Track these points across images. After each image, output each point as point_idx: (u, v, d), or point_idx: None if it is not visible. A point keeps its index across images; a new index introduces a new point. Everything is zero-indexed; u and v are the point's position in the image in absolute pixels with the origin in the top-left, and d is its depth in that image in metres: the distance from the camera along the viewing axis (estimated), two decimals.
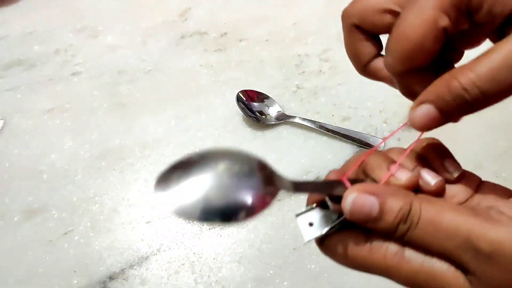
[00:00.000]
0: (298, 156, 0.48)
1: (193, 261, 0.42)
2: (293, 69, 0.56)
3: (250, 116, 0.50)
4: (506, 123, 0.50)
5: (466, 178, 0.23)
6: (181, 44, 0.60)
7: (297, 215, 0.23)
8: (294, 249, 0.42)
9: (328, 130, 0.49)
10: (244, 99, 0.52)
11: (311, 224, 0.23)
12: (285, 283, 0.40)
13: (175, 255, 0.42)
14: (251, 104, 0.52)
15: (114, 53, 0.59)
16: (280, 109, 0.51)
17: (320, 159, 0.48)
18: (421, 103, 0.21)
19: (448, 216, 0.19)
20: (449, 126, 0.22)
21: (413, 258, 0.20)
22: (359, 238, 0.22)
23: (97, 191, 0.46)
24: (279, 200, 0.45)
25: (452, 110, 0.21)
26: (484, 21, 0.21)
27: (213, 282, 0.40)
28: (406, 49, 0.22)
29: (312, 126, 0.49)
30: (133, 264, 0.42)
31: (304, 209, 0.23)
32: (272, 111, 0.51)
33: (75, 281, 0.41)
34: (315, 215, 0.23)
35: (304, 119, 0.50)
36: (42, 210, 0.45)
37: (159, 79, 0.56)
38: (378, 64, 0.26)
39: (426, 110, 0.21)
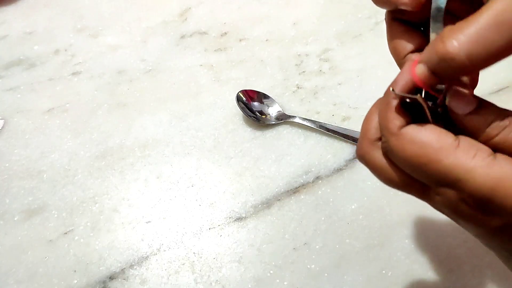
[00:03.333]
0: (298, 156, 0.48)
1: (193, 261, 0.42)
2: (293, 69, 0.56)
3: (250, 116, 0.50)
4: None
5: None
6: (181, 44, 0.60)
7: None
8: (294, 249, 0.42)
9: (328, 130, 0.49)
10: (244, 99, 0.52)
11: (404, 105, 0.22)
12: (285, 283, 0.40)
13: (175, 255, 0.42)
14: (251, 104, 0.52)
15: (114, 53, 0.59)
16: (280, 109, 0.51)
17: (320, 159, 0.48)
18: (418, 62, 0.22)
19: None
20: None
21: (505, 165, 0.19)
22: (448, 133, 0.21)
23: (97, 191, 0.46)
24: (279, 200, 0.45)
25: (443, 72, 0.21)
26: None
27: (213, 282, 0.40)
28: None
29: (312, 126, 0.49)
30: (133, 264, 0.42)
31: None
32: (272, 111, 0.51)
33: (75, 281, 0.41)
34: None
35: (304, 119, 0.50)
36: (42, 210, 0.45)
37: (159, 79, 0.56)
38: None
39: (421, 69, 0.21)
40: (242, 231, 0.43)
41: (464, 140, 0.20)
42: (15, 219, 0.45)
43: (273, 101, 0.52)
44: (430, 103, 0.22)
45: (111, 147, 0.50)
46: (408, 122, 0.22)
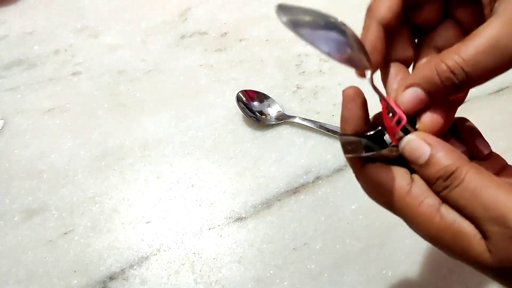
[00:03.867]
0: (298, 156, 0.48)
1: (193, 261, 0.42)
2: (293, 69, 0.56)
3: (250, 116, 0.50)
4: (506, 123, 0.50)
5: (494, 158, 0.25)
6: (181, 44, 0.60)
7: (340, 135, 0.24)
8: (294, 249, 0.42)
9: (328, 130, 0.49)
10: (244, 99, 0.52)
11: (350, 147, 0.23)
12: (285, 283, 0.40)
13: (175, 255, 0.42)
14: (251, 104, 0.52)
15: (114, 53, 0.59)
16: (280, 109, 0.51)
17: (320, 159, 0.48)
18: (409, 86, 0.23)
19: (491, 190, 0.20)
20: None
21: (447, 215, 0.21)
22: (404, 176, 0.22)
23: (97, 191, 0.46)
24: (279, 200, 0.45)
25: (440, 92, 0.22)
26: None
27: (213, 282, 0.40)
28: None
29: (312, 126, 0.49)
30: (133, 264, 0.42)
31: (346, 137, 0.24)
32: (272, 111, 0.51)
33: (75, 281, 0.41)
34: (357, 141, 0.24)
35: (304, 119, 0.50)
36: (42, 210, 0.45)
37: (159, 79, 0.56)
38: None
39: (415, 92, 0.23)
40: (242, 231, 0.43)
41: (417, 186, 0.22)
42: (15, 219, 0.45)
43: (273, 101, 0.52)
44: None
45: (111, 147, 0.50)
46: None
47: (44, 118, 0.52)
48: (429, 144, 0.22)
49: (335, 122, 0.50)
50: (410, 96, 0.23)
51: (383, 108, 0.23)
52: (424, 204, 0.21)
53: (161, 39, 0.60)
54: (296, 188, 0.46)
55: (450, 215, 0.21)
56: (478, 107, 0.51)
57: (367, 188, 0.24)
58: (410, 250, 0.41)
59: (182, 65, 0.57)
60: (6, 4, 0.65)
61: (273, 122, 0.50)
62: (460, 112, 0.26)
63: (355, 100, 0.24)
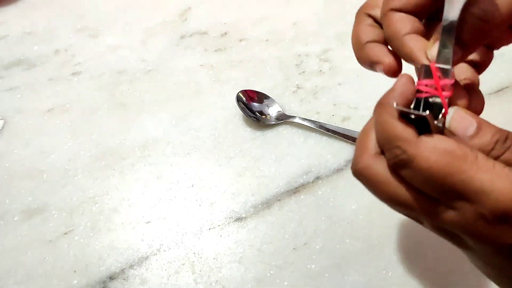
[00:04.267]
0: (298, 156, 0.48)
1: (193, 261, 0.42)
2: (293, 69, 0.56)
3: (250, 116, 0.50)
4: (506, 123, 0.50)
5: None
6: (181, 44, 0.60)
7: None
8: (294, 249, 0.42)
9: (328, 130, 0.49)
10: (244, 99, 0.52)
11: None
12: (285, 283, 0.40)
13: (175, 255, 0.42)
14: (251, 104, 0.52)
15: (114, 53, 0.59)
16: (280, 109, 0.51)
17: (320, 159, 0.48)
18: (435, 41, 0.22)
19: None
20: None
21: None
22: (462, 145, 0.20)
23: (97, 191, 0.46)
24: (279, 200, 0.45)
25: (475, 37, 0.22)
26: None
27: (213, 282, 0.40)
28: None
29: (312, 126, 0.49)
30: (133, 264, 0.42)
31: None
32: (272, 111, 0.51)
33: (75, 281, 0.41)
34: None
35: (304, 119, 0.50)
36: (42, 210, 0.45)
37: (159, 79, 0.56)
38: (376, 46, 0.25)
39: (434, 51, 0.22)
40: (242, 231, 0.43)
41: (479, 153, 0.20)
42: (15, 219, 0.45)
43: (273, 101, 0.52)
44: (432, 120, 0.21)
45: (111, 147, 0.50)
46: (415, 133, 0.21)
47: (44, 118, 0.52)
48: (471, 116, 0.21)
49: (335, 122, 0.50)
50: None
51: (434, 75, 0.22)
52: (497, 166, 0.20)
53: (161, 39, 0.60)
54: (296, 188, 0.46)
55: None
56: None
57: (431, 161, 0.20)
58: (410, 250, 0.41)
59: (182, 65, 0.57)
60: (6, 4, 0.65)
61: (273, 122, 0.50)
62: None
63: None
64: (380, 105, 0.22)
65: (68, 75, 0.57)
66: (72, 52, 0.59)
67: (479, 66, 0.27)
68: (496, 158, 0.20)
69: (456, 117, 0.21)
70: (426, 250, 0.41)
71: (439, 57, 0.22)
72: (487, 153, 0.20)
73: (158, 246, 0.43)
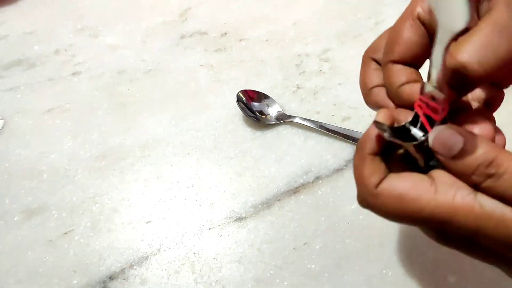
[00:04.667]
0: (298, 156, 0.48)
1: (193, 261, 0.42)
2: (293, 69, 0.56)
3: (250, 116, 0.50)
4: (506, 123, 0.50)
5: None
6: (181, 44, 0.60)
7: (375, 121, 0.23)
8: (294, 249, 0.42)
9: (328, 130, 0.49)
10: (244, 99, 0.52)
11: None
12: (285, 283, 0.40)
13: (175, 255, 0.42)
14: (251, 104, 0.52)
15: (114, 53, 0.59)
16: (280, 109, 0.51)
17: (320, 159, 0.48)
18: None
19: None
20: None
21: (486, 203, 0.20)
22: (423, 178, 0.21)
23: (97, 191, 0.46)
24: (279, 200, 0.45)
25: (457, 84, 0.22)
26: None
27: (213, 282, 0.40)
28: (390, 40, 0.25)
29: (312, 126, 0.49)
30: (133, 264, 0.42)
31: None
32: (272, 111, 0.51)
33: (75, 281, 0.41)
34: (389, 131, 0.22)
35: (304, 119, 0.50)
36: (42, 210, 0.45)
37: (159, 79, 0.56)
38: (381, 91, 0.27)
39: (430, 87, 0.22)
40: (242, 231, 0.43)
41: (441, 182, 0.21)
42: (15, 219, 0.45)
43: (273, 101, 0.52)
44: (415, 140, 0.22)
45: (111, 147, 0.50)
46: (384, 173, 0.22)
47: (44, 118, 0.52)
48: (459, 134, 0.21)
49: (335, 122, 0.50)
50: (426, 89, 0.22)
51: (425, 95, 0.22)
52: (458, 196, 0.20)
53: (161, 39, 0.60)
54: (296, 188, 0.46)
55: (489, 203, 0.20)
56: None
57: (389, 208, 0.21)
58: (410, 250, 0.41)
59: (182, 65, 0.57)
60: (6, 4, 0.65)
61: (273, 122, 0.50)
62: None
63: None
64: (358, 146, 0.23)
65: (68, 75, 0.57)
66: (72, 52, 0.59)
67: (489, 105, 0.27)
68: (477, 185, 0.20)
69: (438, 136, 0.21)
70: (426, 250, 0.41)
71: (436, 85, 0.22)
72: (468, 177, 0.20)
73: (158, 246, 0.43)
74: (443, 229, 0.21)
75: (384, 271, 0.41)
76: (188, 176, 0.47)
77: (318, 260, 0.41)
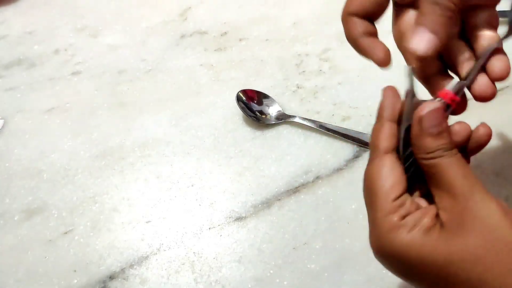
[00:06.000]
0: (298, 156, 0.48)
1: (193, 261, 0.42)
2: (293, 69, 0.56)
3: (250, 116, 0.50)
4: (506, 123, 0.50)
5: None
6: (181, 44, 0.60)
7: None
8: (294, 249, 0.42)
9: (328, 130, 0.49)
10: (244, 99, 0.52)
11: None
12: (285, 283, 0.40)
13: (175, 255, 0.42)
14: (251, 104, 0.52)
15: (114, 53, 0.59)
16: (280, 109, 0.51)
17: (320, 159, 0.48)
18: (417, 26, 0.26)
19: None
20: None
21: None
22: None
23: (97, 191, 0.46)
24: (279, 200, 0.45)
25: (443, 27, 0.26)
26: None
27: (213, 282, 0.40)
28: None
29: (312, 126, 0.49)
30: (133, 263, 0.42)
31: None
32: (272, 111, 0.51)
33: (75, 281, 0.41)
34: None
35: (304, 119, 0.50)
36: (42, 210, 0.45)
37: (159, 79, 0.56)
38: (365, 38, 0.30)
39: (422, 33, 0.26)
40: (242, 231, 0.43)
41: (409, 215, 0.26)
42: (15, 219, 0.45)
43: (273, 101, 0.52)
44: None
45: (111, 147, 0.50)
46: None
47: (44, 118, 0.52)
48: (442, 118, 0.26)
49: (335, 122, 0.50)
50: (420, 38, 0.26)
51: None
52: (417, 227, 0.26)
53: (161, 39, 0.60)
54: (296, 188, 0.46)
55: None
56: (478, 107, 0.51)
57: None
58: None
59: (182, 65, 0.57)
60: (6, 4, 0.65)
61: (273, 122, 0.50)
62: None
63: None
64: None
65: (68, 75, 0.57)
66: (72, 52, 0.59)
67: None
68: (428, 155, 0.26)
69: (427, 112, 0.26)
70: None
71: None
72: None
73: (158, 245, 0.43)
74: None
75: (384, 271, 0.41)
76: (188, 176, 0.47)
77: (318, 260, 0.41)
